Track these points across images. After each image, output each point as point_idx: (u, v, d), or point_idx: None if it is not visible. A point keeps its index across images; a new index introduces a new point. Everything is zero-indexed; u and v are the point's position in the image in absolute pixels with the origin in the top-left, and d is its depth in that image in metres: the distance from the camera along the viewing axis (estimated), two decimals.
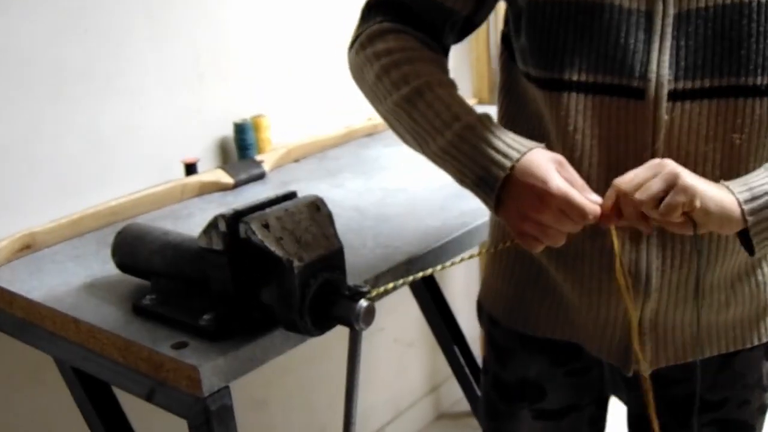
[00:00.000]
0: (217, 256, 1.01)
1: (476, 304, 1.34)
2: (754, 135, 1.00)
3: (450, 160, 1.03)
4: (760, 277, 1.13)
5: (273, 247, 0.96)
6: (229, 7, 1.79)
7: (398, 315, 2.41)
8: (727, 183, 0.98)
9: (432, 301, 2.15)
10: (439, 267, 1.08)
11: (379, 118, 1.16)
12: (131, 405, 1.34)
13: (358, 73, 1.15)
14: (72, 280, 1.28)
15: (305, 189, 1.21)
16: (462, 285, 2.64)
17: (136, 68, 1.63)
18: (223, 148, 1.82)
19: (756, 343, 1.17)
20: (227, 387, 1.05)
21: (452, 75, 1.11)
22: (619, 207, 0.96)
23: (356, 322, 0.95)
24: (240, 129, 1.80)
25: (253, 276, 1.00)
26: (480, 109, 1.08)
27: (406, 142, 1.12)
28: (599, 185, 1.00)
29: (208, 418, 1.03)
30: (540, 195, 0.95)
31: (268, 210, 1.00)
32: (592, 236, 1.06)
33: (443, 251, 1.36)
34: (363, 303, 0.95)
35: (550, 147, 1.02)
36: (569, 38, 1.01)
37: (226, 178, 1.70)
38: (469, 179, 1.02)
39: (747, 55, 0.96)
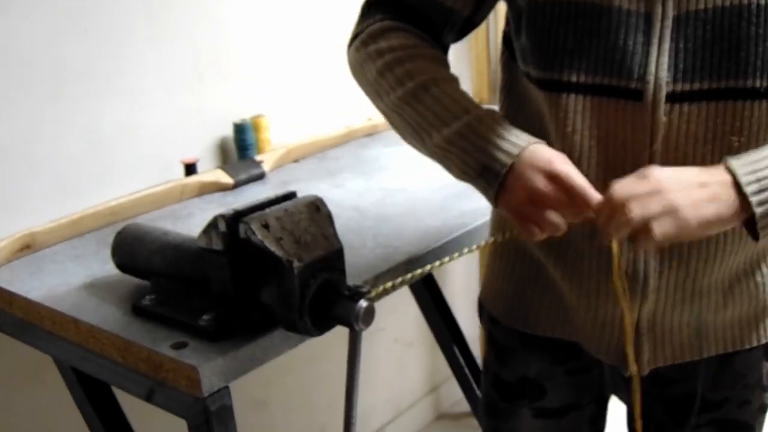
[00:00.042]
0: (216, 257, 1.01)
1: (477, 303, 1.34)
2: (753, 137, 0.99)
3: (454, 150, 1.03)
4: (759, 279, 1.13)
5: (273, 248, 0.96)
6: (229, 7, 1.79)
7: (398, 315, 2.41)
8: (733, 167, 0.94)
9: (432, 301, 2.15)
10: (437, 263, 1.08)
11: (380, 117, 1.16)
12: (131, 405, 1.34)
13: (358, 69, 1.15)
14: (72, 280, 1.28)
15: (305, 189, 1.21)
16: (462, 285, 2.64)
17: (136, 68, 1.63)
18: (222, 149, 1.82)
19: (755, 344, 1.16)
20: (227, 387, 1.05)
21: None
22: None
23: (356, 323, 0.95)
24: (240, 129, 1.80)
25: (253, 276, 1.00)
26: None
27: (404, 135, 1.12)
28: (597, 185, 1.00)
29: (208, 418, 1.03)
30: (545, 173, 0.96)
31: (267, 210, 1.00)
32: (590, 236, 1.06)
33: (443, 251, 1.36)
34: (363, 303, 0.95)
35: (550, 146, 1.02)
36: (569, 39, 1.01)
37: (226, 179, 1.70)
38: (472, 170, 1.02)
39: (746, 57, 0.96)
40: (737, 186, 0.93)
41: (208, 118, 1.78)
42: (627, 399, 1.29)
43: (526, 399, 1.28)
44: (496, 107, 1.21)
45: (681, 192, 0.93)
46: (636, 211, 0.91)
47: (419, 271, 1.06)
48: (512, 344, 1.27)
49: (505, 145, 1.00)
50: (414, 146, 1.11)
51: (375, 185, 1.68)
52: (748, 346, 1.16)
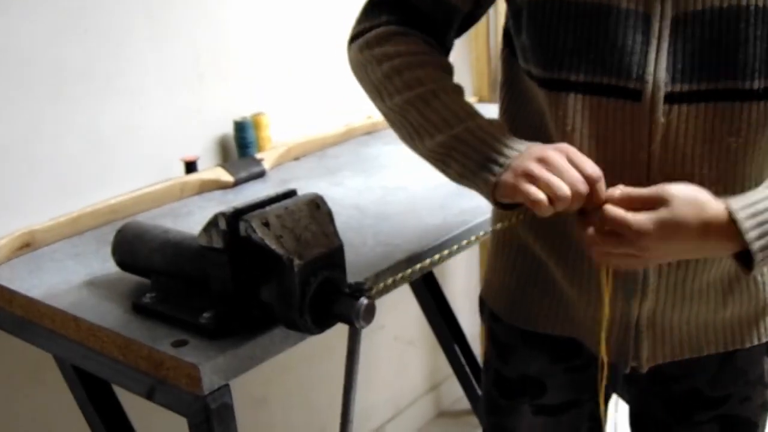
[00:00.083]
0: (217, 255, 1.01)
1: (478, 300, 1.34)
2: (751, 138, 0.99)
3: (459, 146, 1.03)
4: (759, 277, 1.13)
5: (273, 245, 0.96)
6: (229, 6, 1.79)
7: (398, 313, 2.41)
8: (736, 212, 0.94)
9: (432, 300, 2.15)
10: (437, 257, 1.08)
11: (379, 116, 1.16)
12: (131, 403, 1.34)
13: (360, 68, 1.16)
14: (72, 278, 1.28)
15: (305, 187, 1.21)
16: (462, 283, 2.65)
17: (136, 68, 1.63)
18: (223, 147, 1.82)
19: (755, 343, 1.17)
20: (227, 385, 1.05)
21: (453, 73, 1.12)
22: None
23: (356, 320, 0.95)
24: (240, 127, 1.80)
25: (253, 274, 1.00)
26: (480, 108, 1.10)
27: (403, 135, 1.12)
28: None
29: (208, 416, 1.04)
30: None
31: (268, 208, 1.00)
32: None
33: (443, 249, 1.36)
34: (363, 300, 0.95)
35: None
36: (569, 38, 1.01)
37: (226, 177, 1.70)
38: (474, 163, 1.02)
39: (744, 59, 0.96)
40: (736, 226, 0.94)
41: (208, 117, 1.78)
42: (628, 396, 1.30)
43: (526, 396, 1.28)
44: (496, 106, 1.22)
45: (676, 245, 0.96)
46: (634, 245, 0.95)
47: (418, 266, 1.06)
48: (513, 342, 1.27)
49: (512, 142, 1.02)
50: (410, 146, 1.12)
51: (375, 183, 1.68)
52: (748, 345, 1.16)
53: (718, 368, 1.18)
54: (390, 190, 1.63)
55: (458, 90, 1.10)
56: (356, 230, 1.41)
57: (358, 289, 0.97)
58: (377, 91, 1.13)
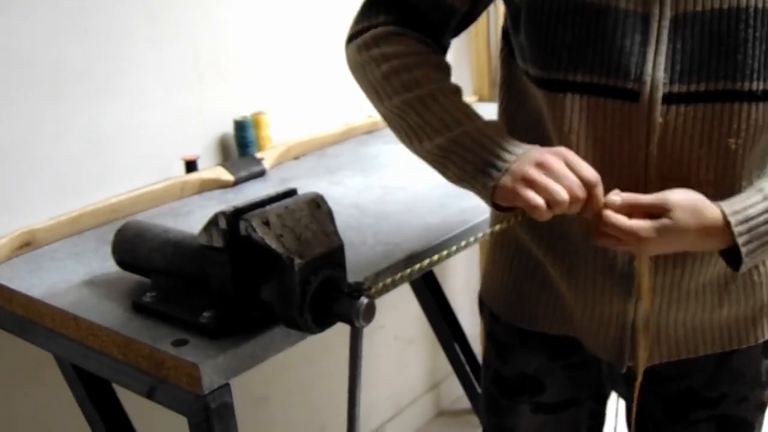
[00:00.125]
0: (217, 254, 1.01)
1: (478, 299, 1.34)
2: (749, 140, 1.00)
3: (457, 149, 1.03)
4: (755, 277, 1.13)
5: (273, 245, 0.96)
6: (229, 6, 1.79)
7: (398, 312, 2.41)
8: (728, 214, 0.98)
9: (432, 299, 2.15)
10: (436, 257, 1.08)
11: (379, 115, 1.16)
12: (132, 402, 1.34)
13: (358, 69, 1.16)
14: (72, 277, 1.28)
15: (305, 186, 1.21)
16: (462, 282, 2.65)
17: (136, 68, 1.63)
18: (223, 146, 1.82)
19: (752, 343, 1.17)
20: (227, 384, 1.05)
21: (453, 72, 1.11)
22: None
23: (357, 319, 0.95)
24: (240, 126, 1.80)
25: (254, 273, 1.00)
26: (480, 107, 1.10)
27: (402, 137, 1.12)
28: None
29: (209, 415, 1.04)
30: (549, 149, 0.99)
31: (268, 207, 1.00)
32: (587, 236, 1.06)
33: (443, 248, 1.36)
34: (363, 300, 0.95)
35: (548, 145, 1.03)
36: (567, 38, 1.01)
37: (227, 176, 1.70)
38: (473, 167, 1.02)
39: (743, 60, 0.96)
40: (729, 228, 0.98)
41: (209, 117, 1.78)
42: (625, 395, 1.30)
43: (525, 395, 1.28)
44: (496, 105, 1.22)
45: (671, 245, 0.99)
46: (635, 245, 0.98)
47: (417, 266, 1.06)
48: (512, 341, 1.27)
49: (509, 146, 1.01)
50: (409, 147, 1.12)
51: (375, 183, 1.69)
52: (744, 346, 1.16)
53: (714, 368, 1.18)
54: (390, 190, 1.63)
55: (456, 91, 1.10)
56: (356, 229, 1.41)
57: (358, 289, 0.97)
58: (375, 92, 1.13)
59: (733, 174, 1.01)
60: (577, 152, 1.03)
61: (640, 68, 0.99)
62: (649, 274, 1.06)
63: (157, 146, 1.68)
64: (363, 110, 2.01)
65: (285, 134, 1.91)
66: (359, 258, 1.28)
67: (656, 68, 0.98)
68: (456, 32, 1.19)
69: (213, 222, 1.01)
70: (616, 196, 0.98)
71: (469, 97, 2.36)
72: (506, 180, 0.98)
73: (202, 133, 1.78)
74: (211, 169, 1.71)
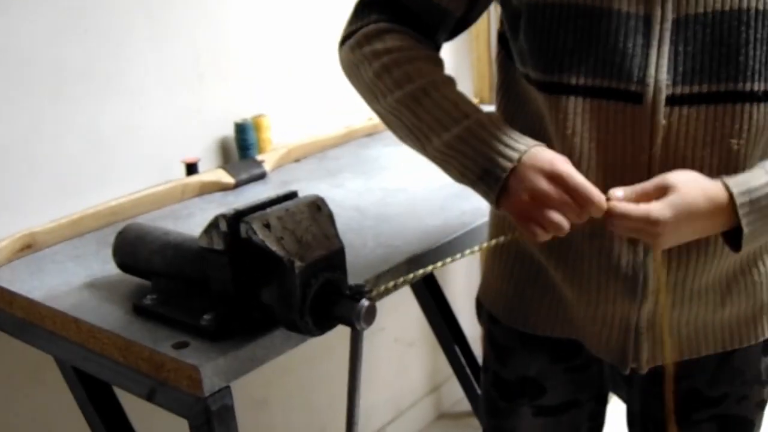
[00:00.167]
0: (217, 256, 1.01)
1: (475, 302, 1.34)
2: (752, 140, 1.00)
3: (455, 154, 1.03)
4: (756, 277, 1.13)
5: (274, 247, 0.96)
6: (229, 7, 1.79)
7: (399, 315, 2.41)
8: (730, 185, 0.98)
9: (433, 301, 2.15)
10: (439, 264, 1.08)
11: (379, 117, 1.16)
12: (132, 405, 1.34)
13: (352, 69, 1.15)
14: (72, 280, 1.28)
15: (306, 189, 1.21)
16: (463, 284, 2.64)
17: (136, 68, 1.63)
18: (223, 148, 1.82)
19: (753, 342, 1.17)
20: (228, 387, 1.05)
21: (453, 75, 1.11)
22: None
23: (357, 322, 0.95)
24: (241, 129, 1.80)
25: (254, 276, 1.00)
26: (482, 108, 1.09)
27: (403, 138, 1.12)
28: (597, 187, 1.01)
29: (209, 418, 1.03)
30: (547, 175, 0.97)
31: (269, 210, 1.00)
32: (590, 237, 1.06)
33: (444, 251, 1.36)
34: (364, 302, 0.95)
35: (549, 148, 1.02)
36: (569, 41, 1.01)
37: (227, 178, 1.70)
38: (472, 173, 1.02)
39: (745, 61, 0.97)
40: (734, 207, 0.98)
41: (209, 118, 1.78)
42: (626, 396, 1.30)
43: (525, 398, 1.28)
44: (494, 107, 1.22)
45: (683, 227, 0.98)
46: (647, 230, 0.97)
47: (421, 271, 1.06)
48: (512, 344, 1.27)
49: (505, 150, 1.00)
50: (412, 148, 1.11)
51: (375, 185, 1.68)
52: (746, 345, 1.17)
53: (715, 368, 1.18)
54: (390, 192, 1.63)
55: (448, 82, 1.08)
56: (356, 232, 1.41)
57: (359, 291, 0.96)
58: (371, 92, 1.12)
59: (736, 174, 1.01)
60: (580, 155, 1.03)
61: (643, 70, 0.99)
62: (663, 270, 1.05)
63: (157, 147, 1.68)
64: (363, 112, 2.00)
65: (285, 136, 1.90)
66: (360, 260, 1.28)
67: (659, 70, 0.98)
68: (450, 36, 1.19)
69: (213, 224, 1.01)
70: (618, 191, 0.98)
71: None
72: (507, 205, 1.01)
73: (203, 134, 1.78)
74: (212, 172, 1.71)
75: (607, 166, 1.02)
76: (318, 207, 1.03)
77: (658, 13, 0.99)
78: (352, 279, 1.04)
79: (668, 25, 0.98)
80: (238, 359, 1.04)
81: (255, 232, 0.96)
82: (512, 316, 1.23)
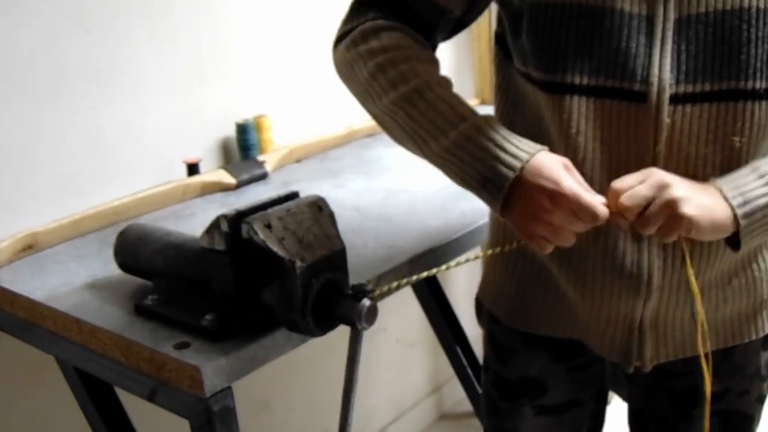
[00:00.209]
0: (219, 257, 1.01)
1: (475, 302, 1.34)
2: (754, 138, 1.01)
3: (453, 160, 1.02)
4: (756, 273, 1.14)
5: (275, 248, 0.96)
6: (229, 7, 1.79)
7: (400, 315, 2.41)
8: (719, 184, 0.99)
9: (434, 302, 2.15)
10: (444, 267, 1.08)
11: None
12: (133, 405, 1.34)
13: (347, 69, 1.14)
14: (74, 280, 1.28)
15: (307, 189, 1.21)
16: (464, 285, 2.64)
17: (137, 69, 1.63)
18: (225, 149, 1.82)
19: (753, 337, 1.18)
20: (229, 387, 1.05)
21: (455, 75, 1.11)
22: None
23: (359, 321, 0.95)
24: (242, 129, 1.80)
25: (255, 276, 1.00)
26: (483, 109, 1.09)
27: (400, 142, 1.11)
28: (601, 186, 1.01)
29: (210, 418, 1.03)
30: (551, 196, 0.96)
31: (270, 210, 1.00)
32: (595, 236, 1.06)
33: (445, 251, 1.36)
34: (366, 302, 0.95)
35: (551, 148, 1.02)
36: (571, 41, 1.01)
37: (228, 179, 1.70)
38: (473, 180, 1.01)
39: (746, 59, 0.98)
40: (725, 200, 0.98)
41: (209, 118, 1.78)
42: (628, 395, 1.30)
43: (527, 397, 1.28)
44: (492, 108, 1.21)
45: (687, 187, 0.97)
46: (664, 196, 0.95)
47: (425, 273, 1.06)
48: (513, 344, 1.27)
49: (505, 157, 0.99)
50: (410, 151, 1.11)
51: (376, 185, 1.68)
52: (746, 340, 1.18)
53: (717, 364, 1.18)
54: (391, 192, 1.63)
55: (444, 83, 1.07)
56: (358, 232, 1.40)
57: (361, 291, 0.96)
58: (366, 92, 1.11)
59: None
60: (584, 154, 1.03)
61: (647, 70, 0.99)
62: (690, 260, 1.05)
63: (158, 148, 1.68)
64: (365, 113, 2.01)
65: (287, 137, 1.90)
66: (361, 260, 1.28)
67: (662, 69, 0.99)
68: (448, 36, 1.19)
69: (215, 225, 1.01)
70: (615, 183, 0.98)
71: (470, 100, 2.36)
72: (512, 219, 1.01)
73: (204, 135, 1.78)
74: (213, 172, 1.71)
75: (611, 165, 1.03)
76: (319, 207, 1.03)
77: (660, 12, 0.99)
78: (354, 279, 1.04)
79: (670, 24, 0.99)
80: (239, 359, 1.04)
81: (256, 233, 0.96)
82: (514, 316, 1.23)
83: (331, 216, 1.04)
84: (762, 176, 1.00)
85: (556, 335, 1.20)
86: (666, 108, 0.99)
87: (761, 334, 1.18)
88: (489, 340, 1.32)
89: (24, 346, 1.32)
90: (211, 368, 1.01)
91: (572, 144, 1.03)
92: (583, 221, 0.96)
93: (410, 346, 2.53)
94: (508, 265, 1.22)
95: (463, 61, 2.43)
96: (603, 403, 1.33)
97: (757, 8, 0.97)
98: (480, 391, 2.11)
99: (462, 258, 1.09)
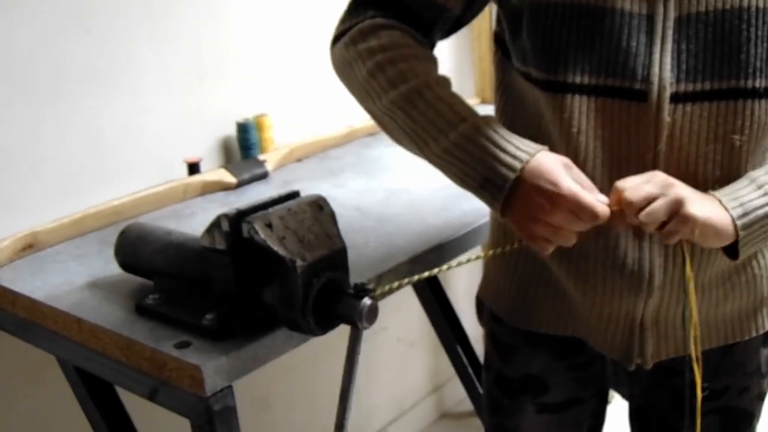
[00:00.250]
0: (219, 256, 1.01)
1: (476, 300, 1.34)
2: (754, 136, 1.01)
3: (453, 161, 1.02)
4: (756, 270, 1.14)
5: (276, 247, 0.96)
6: (229, 7, 1.79)
7: (401, 314, 2.41)
8: (718, 195, 1.00)
9: (435, 301, 2.15)
10: (445, 267, 1.08)
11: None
12: (134, 404, 1.34)
13: (345, 68, 1.14)
14: (74, 279, 1.28)
15: (308, 188, 1.21)
16: (465, 284, 2.64)
17: (137, 68, 1.63)
18: (225, 148, 1.82)
19: (753, 335, 1.18)
20: (230, 387, 1.05)
21: (455, 74, 1.11)
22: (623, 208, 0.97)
23: (359, 320, 0.95)
24: (243, 128, 1.80)
25: (256, 275, 1.00)
26: (483, 108, 1.09)
27: (399, 141, 1.11)
28: (603, 185, 1.01)
29: (211, 417, 1.03)
30: (551, 197, 0.96)
31: (270, 209, 1.00)
32: (596, 235, 1.06)
33: (445, 251, 1.37)
34: (366, 301, 0.95)
35: (552, 147, 1.02)
36: (572, 40, 1.01)
37: (229, 178, 1.70)
38: (473, 180, 1.01)
39: (746, 58, 0.98)
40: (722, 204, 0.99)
41: (210, 118, 1.78)
42: (629, 393, 1.30)
43: (528, 395, 1.28)
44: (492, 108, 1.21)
45: (691, 190, 0.98)
46: (670, 194, 0.96)
47: (426, 273, 1.05)
48: (515, 342, 1.27)
49: (505, 158, 0.99)
50: (409, 150, 1.10)
51: (377, 185, 1.68)
52: (747, 338, 1.18)
53: (717, 361, 1.19)
54: (392, 192, 1.63)
55: (443, 82, 1.07)
56: (358, 231, 1.40)
57: (363, 289, 0.96)
58: (364, 91, 1.10)
59: (738, 170, 1.03)
60: (585, 153, 1.03)
61: (647, 69, 0.99)
62: (690, 261, 1.05)
63: (159, 147, 1.68)
64: (365, 112, 2.01)
65: (287, 136, 1.90)
66: (361, 260, 1.28)
67: (663, 68, 0.99)
68: (445, 35, 1.19)
69: (215, 224, 1.01)
70: (619, 182, 0.98)
71: (471, 100, 2.35)
72: (513, 219, 1.01)
73: (205, 134, 1.78)
74: (214, 171, 1.71)
75: (612, 163, 1.03)
76: (320, 206, 1.03)
77: (661, 11, 0.99)
78: (354, 278, 1.04)
79: (671, 23, 0.99)
80: (240, 359, 1.04)
81: (257, 232, 0.96)
82: (515, 315, 1.23)
83: (331, 215, 1.04)
84: (760, 187, 1.01)
85: (557, 333, 1.20)
86: (666, 107, 0.99)
87: (761, 332, 1.19)
88: (490, 338, 1.32)
89: (24, 346, 1.32)
90: (211, 367, 1.01)
91: (573, 143, 1.03)
92: (583, 221, 0.96)
93: (411, 346, 2.54)
94: (509, 265, 1.22)
95: (463, 61, 2.43)
96: (604, 401, 1.34)
97: (757, 7, 0.98)
98: (481, 390, 2.12)
99: (463, 258, 1.09)
